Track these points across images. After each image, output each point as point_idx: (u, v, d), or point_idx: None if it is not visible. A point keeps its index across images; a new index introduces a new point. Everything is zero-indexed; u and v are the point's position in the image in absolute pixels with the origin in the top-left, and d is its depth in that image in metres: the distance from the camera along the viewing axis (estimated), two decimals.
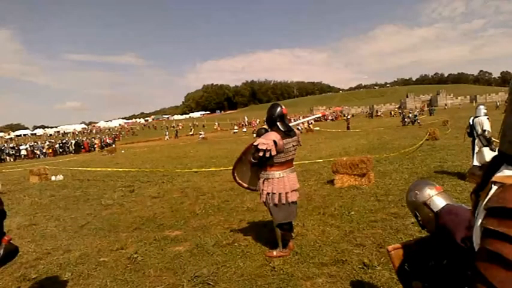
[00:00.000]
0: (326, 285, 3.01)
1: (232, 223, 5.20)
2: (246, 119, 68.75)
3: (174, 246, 4.40)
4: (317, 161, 10.74)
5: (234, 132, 46.85)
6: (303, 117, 54.05)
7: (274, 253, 3.76)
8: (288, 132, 3.65)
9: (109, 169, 13.89)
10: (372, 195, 5.98)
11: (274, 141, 3.48)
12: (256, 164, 3.71)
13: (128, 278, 3.54)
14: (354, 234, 4.20)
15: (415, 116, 30.20)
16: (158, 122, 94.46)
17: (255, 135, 3.99)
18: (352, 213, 5.06)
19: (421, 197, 2.02)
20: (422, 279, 1.83)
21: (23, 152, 33.96)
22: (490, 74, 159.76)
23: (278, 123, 3.64)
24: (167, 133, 50.61)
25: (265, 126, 4.04)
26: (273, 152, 3.48)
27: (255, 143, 3.56)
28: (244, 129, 50.89)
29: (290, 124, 3.84)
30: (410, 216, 4.63)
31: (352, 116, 52.27)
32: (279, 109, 3.68)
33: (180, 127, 67.55)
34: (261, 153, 3.49)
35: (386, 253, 3.50)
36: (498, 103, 35.06)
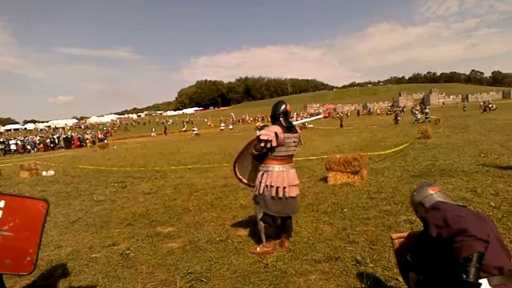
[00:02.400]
0: (319, 282, 3.02)
1: (225, 220, 5.19)
2: (233, 116, 68.16)
3: (167, 242, 4.38)
4: (310, 158, 10.77)
5: (221, 130, 45.85)
6: (297, 114, 54.12)
7: (258, 249, 3.79)
8: (290, 128, 3.75)
9: (102, 168, 13.77)
10: (365, 193, 6.02)
11: (276, 133, 3.57)
12: (258, 156, 3.76)
13: (120, 274, 3.52)
14: (346, 231, 4.22)
15: (427, 113, 28.05)
16: (151, 118, 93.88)
17: (257, 131, 4.10)
18: (345, 210, 5.09)
19: (418, 197, 2.09)
20: (419, 272, 1.86)
21: (13, 147, 33.50)
22: (482, 73, 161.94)
23: (281, 119, 3.75)
24: (154, 129, 49.31)
25: (262, 124, 4.09)
26: (274, 143, 3.55)
27: (257, 134, 3.66)
28: (231, 126, 49.58)
29: (294, 123, 3.95)
30: (403, 213, 4.68)
31: (346, 114, 52.60)
32: (283, 106, 3.80)
33: (169, 123, 66.55)
34: (262, 144, 3.58)
35: (378, 250, 3.54)
36: (481, 104, 35.33)
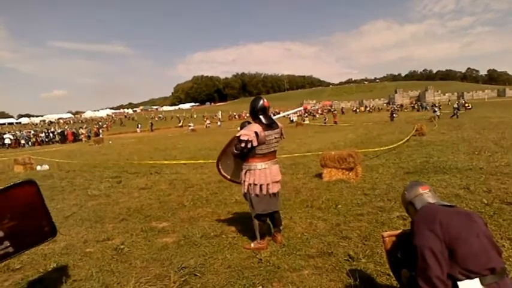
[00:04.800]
0: (312, 277, 3.05)
1: (220, 215, 5.21)
2: (220, 114, 67.19)
3: (162, 237, 4.39)
4: (306, 154, 10.79)
5: (207, 127, 44.29)
6: (283, 111, 53.97)
7: (252, 245, 3.80)
8: (270, 125, 3.69)
9: (97, 162, 13.70)
10: (359, 189, 6.06)
11: (256, 133, 3.51)
12: (239, 155, 3.73)
13: (114, 268, 3.52)
14: (340, 227, 4.25)
15: (457, 108, 26.37)
16: (147, 113, 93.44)
17: (238, 128, 4.04)
18: (339, 206, 5.12)
19: (409, 197, 2.12)
20: (410, 268, 1.90)
21: (7, 141, 33.23)
22: (477, 71, 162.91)
23: (260, 116, 3.69)
24: (140, 125, 47.57)
25: (249, 120, 4.04)
26: (254, 143, 3.51)
27: (237, 134, 3.61)
28: (219, 123, 48.34)
29: (274, 117, 3.89)
30: (396, 209, 4.72)
31: (339, 111, 52.52)
32: (261, 102, 3.72)
33: (156, 119, 65.02)
34: (243, 144, 3.53)
35: (371, 246, 3.57)
36: (458, 102, 34.93)
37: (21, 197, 2.25)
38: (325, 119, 32.01)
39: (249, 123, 3.86)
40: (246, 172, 3.72)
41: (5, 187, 2.21)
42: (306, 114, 46.47)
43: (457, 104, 27.71)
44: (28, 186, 2.30)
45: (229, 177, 4.37)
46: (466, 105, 34.60)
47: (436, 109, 28.25)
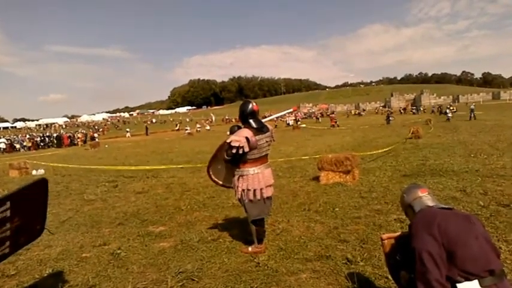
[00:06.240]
0: (310, 281, 3.04)
1: (217, 219, 5.19)
2: (213, 117, 66.05)
3: (158, 242, 4.36)
4: (303, 157, 10.79)
5: (198, 131, 42.88)
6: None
7: (250, 249, 3.78)
8: (261, 129, 3.65)
9: (92, 166, 13.64)
10: (356, 192, 6.06)
11: (247, 138, 3.46)
12: (230, 161, 3.68)
13: (110, 273, 3.49)
14: (338, 230, 4.24)
15: (472, 110, 25.50)
16: (143, 117, 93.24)
17: (228, 132, 3.99)
18: (337, 209, 5.12)
19: (408, 199, 2.13)
20: (409, 270, 1.90)
21: (2, 146, 33.00)
22: (472, 74, 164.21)
23: (250, 120, 3.64)
24: (129, 130, 46.22)
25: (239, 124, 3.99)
26: (246, 149, 3.46)
27: (228, 140, 3.55)
28: (208, 127, 47.43)
29: (263, 120, 3.84)
30: (393, 212, 4.73)
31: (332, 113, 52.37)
32: (250, 106, 3.67)
33: (149, 122, 64.06)
34: (234, 150, 3.47)
35: (369, 249, 3.57)
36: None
37: (34, 195, 2.27)
38: (335, 122, 31.16)
39: (239, 127, 3.83)
40: (238, 178, 3.68)
41: (24, 186, 2.19)
42: (300, 118, 46.34)
43: (473, 105, 27.28)
44: (42, 184, 2.34)
45: (221, 182, 4.33)
46: (452, 108, 34.68)
47: (448, 111, 28.02)
